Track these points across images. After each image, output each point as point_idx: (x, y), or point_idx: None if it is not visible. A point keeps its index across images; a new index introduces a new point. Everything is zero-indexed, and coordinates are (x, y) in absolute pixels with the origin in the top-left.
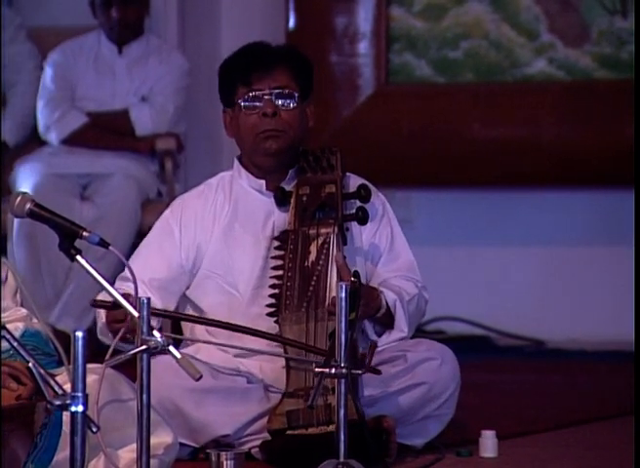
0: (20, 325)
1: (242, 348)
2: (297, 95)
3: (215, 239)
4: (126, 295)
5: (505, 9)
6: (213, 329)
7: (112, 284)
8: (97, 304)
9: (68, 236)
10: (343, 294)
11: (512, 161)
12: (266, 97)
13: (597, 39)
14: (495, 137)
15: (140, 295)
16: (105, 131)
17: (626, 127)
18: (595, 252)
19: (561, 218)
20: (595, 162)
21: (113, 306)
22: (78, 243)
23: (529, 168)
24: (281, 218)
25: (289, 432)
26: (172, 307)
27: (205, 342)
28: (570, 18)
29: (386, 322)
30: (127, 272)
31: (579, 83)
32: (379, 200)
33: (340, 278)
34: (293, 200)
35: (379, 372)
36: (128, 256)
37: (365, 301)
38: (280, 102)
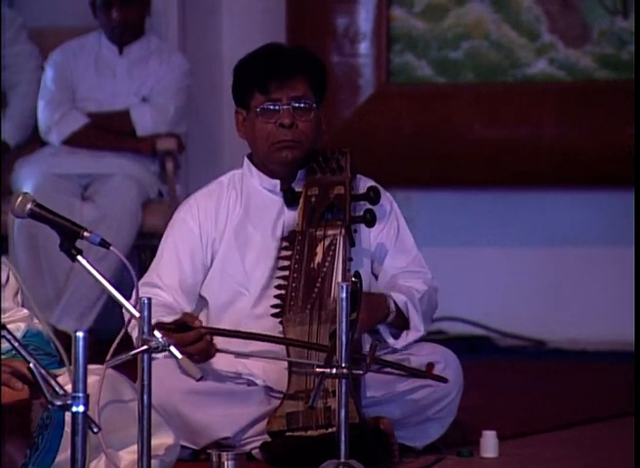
0: (22, 325)
1: (247, 355)
2: (314, 105)
3: (226, 237)
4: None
5: (506, 9)
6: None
7: (113, 284)
8: (160, 327)
9: (69, 236)
10: (344, 295)
11: (512, 161)
12: (284, 107)
13: (598, 39)
14: (495, 138)
15: (171, 302)
16: (106, 131)
17: (626, 127)
18: (595, 252)
19: (561, 218)
20: (595, 162)
21: (177, 328)
22: (79, 243)
23: (529, 168)
24: (291, 218)
25: (288, 434)
26: (192, 307)
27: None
28: (570, 18)
29: (400, 324)
30: (151, 277)
31: (579, 83)
32: (386, 199)
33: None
34: (301, 201)
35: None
36: (128, 257)
37: (368, 314)
38: (298, 113)
